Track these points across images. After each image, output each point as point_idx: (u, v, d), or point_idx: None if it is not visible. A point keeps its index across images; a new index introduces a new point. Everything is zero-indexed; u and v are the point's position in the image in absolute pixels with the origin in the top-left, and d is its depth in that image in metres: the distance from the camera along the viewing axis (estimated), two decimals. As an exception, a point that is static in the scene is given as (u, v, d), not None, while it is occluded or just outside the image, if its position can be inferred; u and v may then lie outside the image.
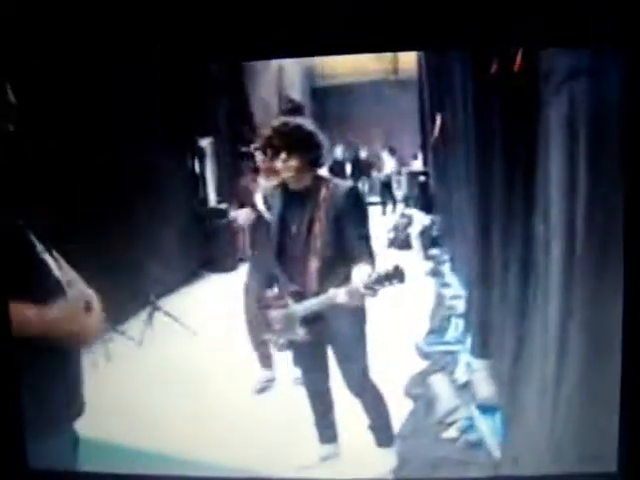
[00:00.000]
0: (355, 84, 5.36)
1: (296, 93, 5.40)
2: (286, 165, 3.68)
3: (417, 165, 5.66)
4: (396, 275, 3.40)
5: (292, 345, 3.86)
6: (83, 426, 2.77)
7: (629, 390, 2.78)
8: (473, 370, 4.10)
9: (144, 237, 4.25)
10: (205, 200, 4.74)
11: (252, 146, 4.36)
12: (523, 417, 3.43)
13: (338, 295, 3.50)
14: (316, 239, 3.72)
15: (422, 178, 5.56)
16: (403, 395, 4.13)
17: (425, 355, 4.41)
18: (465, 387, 4.07)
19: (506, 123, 3.55)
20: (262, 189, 4.09)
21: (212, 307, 4.33)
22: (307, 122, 3.82)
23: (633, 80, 2.65)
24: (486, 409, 3.86)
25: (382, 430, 3.78)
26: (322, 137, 3.79)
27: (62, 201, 3.66)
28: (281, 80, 5.29)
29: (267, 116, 5.08)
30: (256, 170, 4.39)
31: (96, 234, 3.99)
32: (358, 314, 3.70)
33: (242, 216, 4.39)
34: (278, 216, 3.81)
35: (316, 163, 3.78)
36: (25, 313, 2.50)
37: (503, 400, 3.76)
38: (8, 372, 2.90)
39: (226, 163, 4.68)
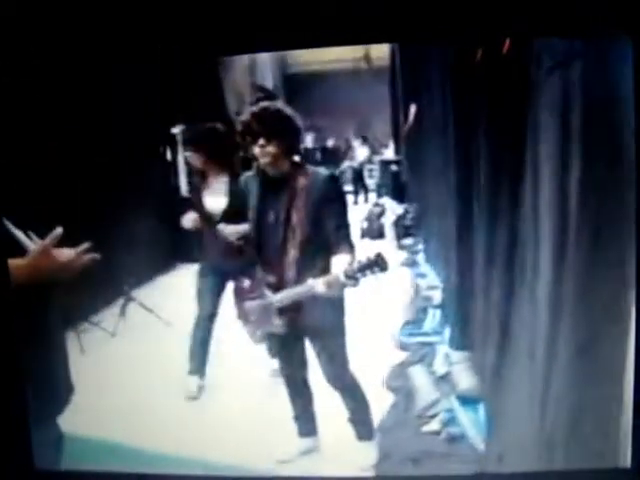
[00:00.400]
0: (327, 72, 5.30)
1: (268, 81, 5.33)
2: (264, 151, 3.61)
3: (389, 154, 5.61)
4: (378, 263, 3.38)
5: (269, 337, 3.82)
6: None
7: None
8: (452, 362, 4.05)
9: (117, 227, 4.16)
10: (177, 189, 4.64)
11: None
12: (509, 410, 3.40)
13: (317, 285, 3.47)
14: (294, 228, 3.67)
15: (394, 167, 5.51)
16: (382, 387, 4.06)
17: (403, 346, 4.37)
18: (445, 379, 4.02)
19: (491, 108, 3.47)
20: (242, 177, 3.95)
21: (186, 298, 4.23)
22: (286, 107, 3.75)
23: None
24: (467, 401, 3.83)
25: (362, 423, 3.74)
26: (300, 122, 3.73)
27: (31, 191, 3.57)
28: (253, 68, 5.21)
29: (240, 104, 4.99)
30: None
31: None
32: (337, 305, 3.67)
33: (186, 221, 4.29)
34: (256, 204, 3.74)
35: (294, 149, 3.74)
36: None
37: (486, 392, 3.71)
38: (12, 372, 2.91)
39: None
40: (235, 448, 3.69)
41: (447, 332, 4.34)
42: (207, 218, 4.29)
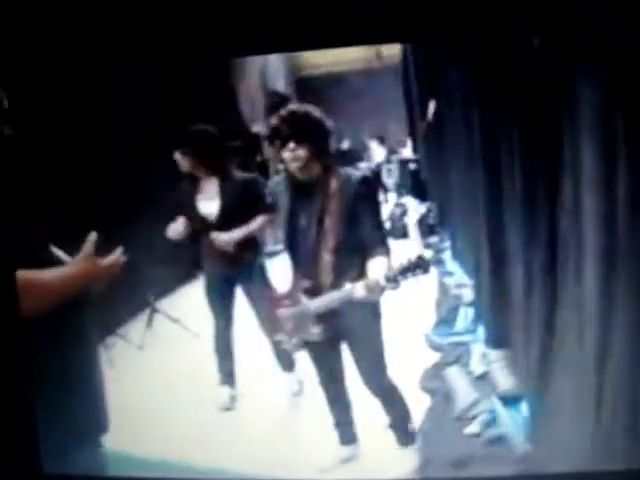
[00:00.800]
0: (339, 73, 5.25)
1: (280, 85, 5.28)
2: (294, 155, 3.51)
3: (407, 153, 5.56)
4: (420, 265, 3.29)
5: (306, 345, 3.70)
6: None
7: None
8: (490, 361, 3.99)
9: (139, 238, 4.10)
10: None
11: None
12: (557, 407, 3.32)
13: (356, 290, 3.36)
14: (328, 232, 3.58)
15: (413, 165, 5.46)
16: (419, 390, 4.00)
17: (437, 347, 4.31)
18: (483, 379, 3.95)
19: (523, 107, 3.40)
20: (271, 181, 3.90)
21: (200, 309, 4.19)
22: (315, 109, 3.64)
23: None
24: (508, 401, 3.76)
25: (402, 429, 3.67)
26: (330, 124, 3.64)
27: (57, 204, 3.53)
28: (264, 72, 5.16)
29: (254, 111, 4.94)
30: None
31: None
32: (374, 309, 3.59)
33: (171, 231, 4.19)
34: (286, 209, 3.64)
35: (325, 152, 3.63)
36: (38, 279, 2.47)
37: (530, 391, 3.62)
38: (19, 375, 2.87)
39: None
40: (273, 459, 3.64)
41: (481, 330, 4.27)
42: (201, 224, 4.23)
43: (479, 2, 2.74)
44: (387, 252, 3.52)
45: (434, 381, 4.07)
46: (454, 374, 4.07)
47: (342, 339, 3.68)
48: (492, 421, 3.71)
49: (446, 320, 4.52)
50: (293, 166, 3.56)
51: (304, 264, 3.63)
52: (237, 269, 4.14)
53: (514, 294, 3.74)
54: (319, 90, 5.29)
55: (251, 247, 4.18)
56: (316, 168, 3.58)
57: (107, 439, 3.11)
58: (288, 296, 3.69)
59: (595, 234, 2.87)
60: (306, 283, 3.61)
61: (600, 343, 2.91)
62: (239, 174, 4.38)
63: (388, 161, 5.57)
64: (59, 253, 2.60)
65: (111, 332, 4.38)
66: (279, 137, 3.56)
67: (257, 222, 4.20)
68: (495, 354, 3.98)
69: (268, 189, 3.85)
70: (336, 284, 3.51)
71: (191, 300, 4.60)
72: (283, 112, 3.61)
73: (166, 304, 4.58)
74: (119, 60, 3.12)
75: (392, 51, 5.29)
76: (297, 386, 4.21)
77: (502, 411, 3.72)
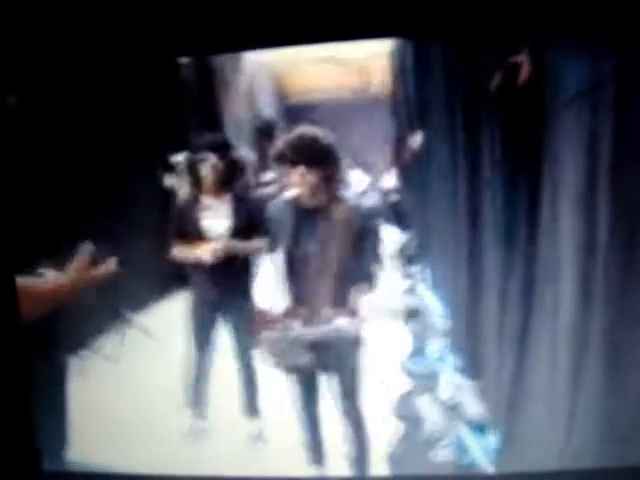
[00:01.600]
0: (327, 100, 5.29)
1: (268, 110, 5.32)
2: (303, 180, 3.51)
3: (389, 182, 5.59)
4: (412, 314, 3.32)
5: (294, 370, 3.68)
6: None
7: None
8: (460, 389, 4.02)
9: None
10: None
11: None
12: (526, 437, 3.36)
13: (343, 323, 3.45)
14: (331, 261, 3.57)
15: (395, 195, 5.49)
16: (391, 416, 4.03)
17: (410, 374, 4.33)
18: (453, 406, 3.98)
19: (505, 136, 3.46)
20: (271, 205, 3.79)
21: (184, 323, 4.16)
22: (325, 134, 3.61)
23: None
24: (477, 429, 3.79)
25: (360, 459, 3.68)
26: (340, 151, 3.63)
27: (32, 218, 3.55)
28: (253, 97, 5.20)
29: (239, 134, 4.98)
30: (198, 187, 4.14)
31: (67, 250, 3.87)
32: (359, 340, 3.60)
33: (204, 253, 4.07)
34: (289, 234, 3.60)
35: (333, 179, 3.60)
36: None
37: (500, 419, 3.67)
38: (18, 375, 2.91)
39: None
40: (240, 472, 3.61)
41: (453, 360, 4.30)
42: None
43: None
44: (372, 284, 3.55)
45: (406, 408, 4.09)
46: (425, 401, 4.10)
47: (329, 369, 3.66)
48: (461, 448, 3.74)
49: (420, 348, 4.55)
50: (300, 191, 3.54)
51: (302, 291, 3.61)
52: (229, 295, 4.06)
53: (488, 324, 3.79)
54: (306, 117, 5.33)
55: (246, 272, 4.12)
56: (323, 194, 3.55)
57: (77, 451, 3.15)
58: (278, 320, 3.66)
59: (572, 266, 2.92)
60: (302, 310, 3.59)
61: (572, 372, 2.95)
62: (251, 193, 4.41)
63: (371, 190, 5.59)
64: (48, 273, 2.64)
65: (85, 345, 4.36)
66: (284, 162, 3.54)
67: (257, 243, 4.05)
68: (466, 383, 4.02)
69: (267, 213, 3.77)
70: (334, 313, 3.53)
71: (166, 315, 4.63)
72: (290, 136, 3.58)
73: (141, 319, 4.57)
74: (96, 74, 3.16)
75: (381, 80, 5.34)
76: (258, 432, 4.15)
77: (470, 438, 3.75)
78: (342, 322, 3.47)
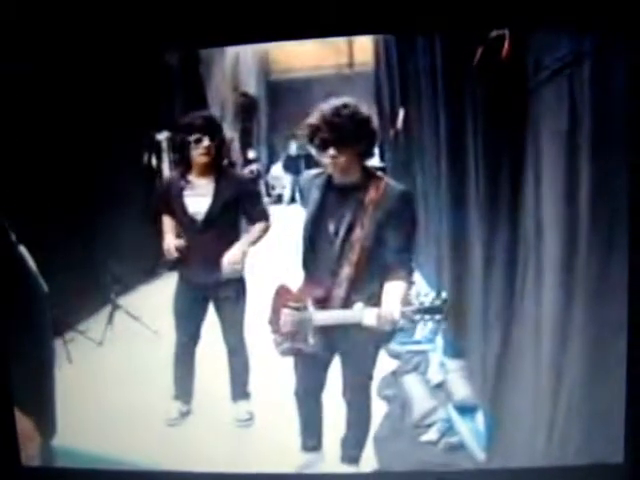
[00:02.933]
0: (311, 78, 5.24)
1: (251, 88, 5.26)
2: (335, 161, 3.31)
3: (374, 161, 5.55)
4: (442, 310, 3.23)
5: (297, 352, 3.55)
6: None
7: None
8: (448, 370, 4.00)
9: (102, 235, 4.06)
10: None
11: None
12: (511, 420, 3.36)
13: (367, 316, 3.29)
14: (354, 244, 3.37)
15: (380, 173, 5.45)
16: (377, 397, 3.96)
17: (395, 355, 4.29)
18: (440, 387, 3.97)
19: (488, 114, 3.43)
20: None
21: (171, 306, 4.10)
22: (362, 105, 3.40)
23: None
24: (465, 410, 3.77)
25: (354, 443, 3.65)
26: (377, 123, 3.45)
27: (17, 199, 3.50)
28: (236, 74, 5.14)
29: (223, 111, 4.91)
30: (187, 165, 3.99)
31: (54, 235, 3.82)
32: (379, 333, 3.41)
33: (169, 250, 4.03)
34: (315, 209, 3.43)
35: (368, 155, 3.46)
36: None
37: (486, 400, 3.66)
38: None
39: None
40: (229, 459, 3.68)
41: (440, 340, 4.28)
42: (188, 224, 3.99)
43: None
44: (407, 278, 3.39)
45: (392, 388, 4.07)
46: (411, 382, 4.08)
47: (336, 354, 3.55)
48: (448, 429, 3.72)
49: (406, 328, 4.52)
50: (331, 170, 3.37)
51: (320, 272, 3.45)
52: (219, 280, 3.92)
53: (473, 305, 3.77)
54: (289, 95, 5.28)
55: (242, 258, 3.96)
56: (356, 173, 3.38)
57: (62, 435, 3.12)
58: (295, 299, 3.53)
59: (555, 248, 2.92)
60: (317, 292, 3.43)
61: (556, 355, 2.96)
62: (237, 172, 4.32)
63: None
64: None
65: (71, 327, 4.30)
66: (317, 138, 3.32)
67: (256, 231, 4.01)
68: (453, 364, 4.00)
69: (299, 182, 3.68)
70: (349, 300, 3.37)
71: (153, 298, 4.59)
72: (325, 111, 3.34)
73: (128, 301, 4.49)
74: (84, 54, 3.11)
75: (364, 58, 5.29)
76: (247, 416, 4.07)
77: (458, 420, 3.74)
78: (361, 310, 3.30)
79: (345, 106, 3.36)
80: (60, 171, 4.01)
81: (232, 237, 3.97)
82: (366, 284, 3.38)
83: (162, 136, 4.45)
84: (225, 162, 4.16)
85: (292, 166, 5.05)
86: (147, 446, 3.74)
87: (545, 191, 3.00)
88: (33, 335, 3.06)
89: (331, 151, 3.30)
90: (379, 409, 3.93)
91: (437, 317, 3.25)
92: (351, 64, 5.21)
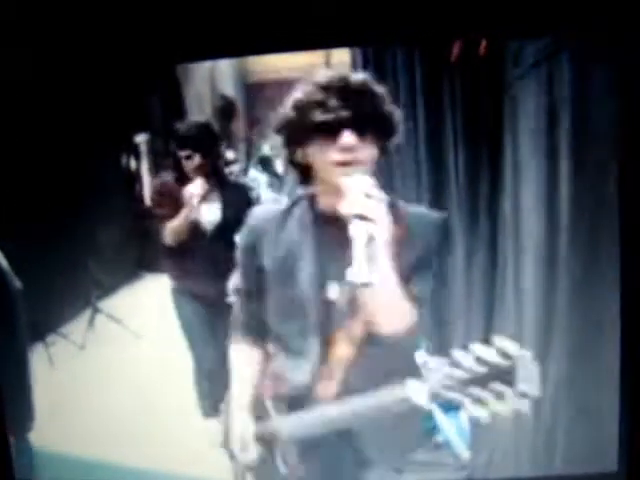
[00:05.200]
0: (288, 79, 5.23)
1: (229, 89, 5.25)
2: (354, 156, 2.35)
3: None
4: (505, 373, 2.24)
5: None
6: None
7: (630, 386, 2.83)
8: (430, 369, 4.00)
9: (82, 237, 4.04)
10: (142, 199, 4.51)
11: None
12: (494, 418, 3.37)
13: (398, 399, 2.43)
14: (364, 307, 2.39)
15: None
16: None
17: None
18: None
19: (466, 112, 3.48)
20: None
21: (154, 308, 4.10)
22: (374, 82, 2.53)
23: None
24: (448, 409, 3.77)
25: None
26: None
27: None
28: (214, 75, 5.13)
29: (201, 112, 4.91)
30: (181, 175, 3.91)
31: (33, 235, 3.80)
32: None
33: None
34: (297, 259, 2.46)
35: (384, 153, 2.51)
36: None
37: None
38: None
39: (162, 161, 4.46)
40: (207, 465, 3.64)
41: (423, 339, 4.29)
42: (193, 231, 3.83)
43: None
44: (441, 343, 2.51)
45: None
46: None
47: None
48: (433, 428, 3.73)
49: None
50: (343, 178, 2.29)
51: (296, 352, 2.49)
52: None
53: (454, 304, 3.78)
54: (267, 95, 5.28)
55: None
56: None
57: (42, 438, 3.10)
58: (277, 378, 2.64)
59: (535, 252, 2.94)
60: (293, 379, 2.45)
61: (538, 352, 2.97)
62: (238, 179, 4.16)
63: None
64: None
65: (52, 330, 4.33)
66: (311, 123, 2.38)
67: None
68: (435, 362, 4.00)
69: (247, 230, 2.73)
70: (365, 383, 2.48)
71: (134, 301, 4.59)
72: (324, 77, 2.47)
73: (109, 304, 4.50)
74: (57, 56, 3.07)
75: (341, 57, 5.29)
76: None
77: (442, 418, 3.74)
78: (389, 395, 2.44)
79: (355, 77, 2.50)
80: (38, 168, 4.01)
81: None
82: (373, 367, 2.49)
83: (141, 139, 4.43)
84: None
85: (267, 166, 5.04)
86: (130, 449, 3.72)
87: (525, 190, 3.02)
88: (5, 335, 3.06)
89: (346, 137, 2.30)
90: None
91: (507, 384, 2.28)
92: (328, 63, 5.21)
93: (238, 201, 3.80)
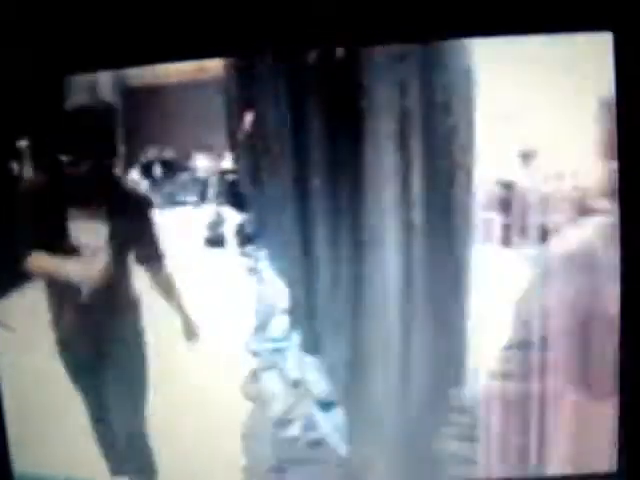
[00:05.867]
0: (165, 85, 5.25)
1: (108, 94, 5.23)
2: None
3: (227, 163, 5.61)
4: None
5: None
6: None
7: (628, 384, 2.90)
8: (305, 366, 4.11)
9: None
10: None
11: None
12: (367, 411, 3.49)
13: None
14: None
15: (232, 176, 5.51)
16: (239, 395, 4.07)
17: (254, 353, 4.38)
18: (299, 383, 4.09)
19: (326, 114, 3.61)
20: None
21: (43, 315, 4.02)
22: None
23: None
24: (324, 405, 3.89)
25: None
26: None
27: None
28: (93, 80, 5.10)
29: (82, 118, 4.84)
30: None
31: None
32: None
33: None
34: None
35: None
36: None
37: (341, 395, 3.83)
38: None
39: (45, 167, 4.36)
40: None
41: (297, 337, 4.38)
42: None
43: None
44: None
45: (252, 386, 4.15)
46: (271, 379, 4.18)
47: None
48: (310, 424, 3.83)
49: (263, 326, 4.60)
50: None
51: None
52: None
53: (324, 302, 3.93)
54: (146, 101, 5.29)
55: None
56: None
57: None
58: None
59: (394, 252, 3.07)
60: None
61: (403, 348, 3.11)
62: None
63: (210, 171, 5.58)
64: None
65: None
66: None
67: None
68: (309, 359, 4.11)
69: None
70: None
71: (23, 307, 4.46)
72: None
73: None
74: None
75: (215, 64, 5.33)
76: None
77: (319, 415, 3.85)
78: None
79: None
80: None
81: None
82: None
83: (23, 143, 4.35)
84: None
85: (146, 171, 5.05)
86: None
87: (385, 187, 3.16)
88: None
89: None
90: (242, 407, 4.01)
91: None
92: (202, 68, 5.25)
93: (132, 219, 3.41)
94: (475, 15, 2.81)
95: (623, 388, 2.92)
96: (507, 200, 3.16)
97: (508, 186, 3.19)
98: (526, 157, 3.17)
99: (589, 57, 2.77)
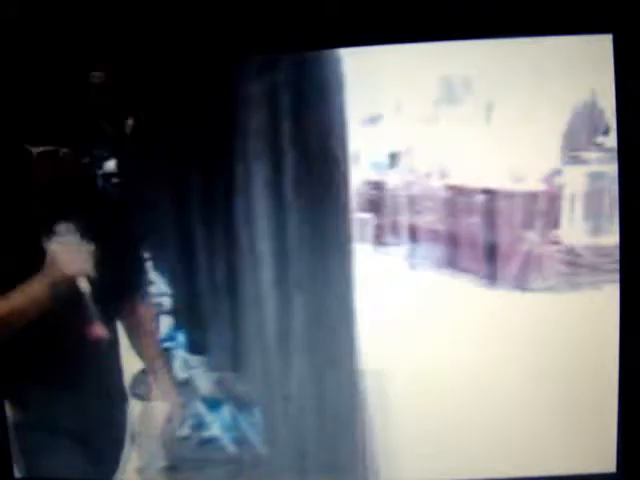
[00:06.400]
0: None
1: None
2: None
3: (111, 167, 5.56)
4: None
5: None
6: None
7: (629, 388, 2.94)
8: (191, 366, 4.15)
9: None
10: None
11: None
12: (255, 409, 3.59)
13: None
14: None
15: (115, 180, 5.47)
16: (130, 396, 4.08)
17: (141, 354, 4.41)
18: (186, 384, 4.10)
19: (199, 119, 3.69)
20: None
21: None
22: None
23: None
24: (212, 404, 3.95)
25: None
26: None
27: None
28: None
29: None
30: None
31: None
32: None
33: None
34: None
35: None
36: None
37: (225, 394, 3.92)
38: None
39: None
40: None
41: (182, 337, 4.42)
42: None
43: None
44: None
45: (142, 387, 4.15)
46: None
47: None
48: (199, 424, 3.90)
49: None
50: None
51: None
52: None
53: (206, 303, 4.02)
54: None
55: None
56: None
57: None
58: None
59: (267, 240, 3.18)
60: None
61: (278, 343, 3.20)
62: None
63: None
64: None
65: None
66: None
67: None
68: (195, 359, 4.15)
69: None
70: None
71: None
72: None
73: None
74: None
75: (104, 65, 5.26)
76: None
77: (207, 414, 3.91)
78: None
79: None
80: None
81: None
82: None
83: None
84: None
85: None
86: None
87: (257, 199, 3.35)
88: None
89: None
90: (134, 407, 4.03)
91: None
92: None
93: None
94: (475, 15, 2.88)
95: (623, 388, 2.97)
96: (378, 200, 3.27)
97: (379, 186, 3.30)
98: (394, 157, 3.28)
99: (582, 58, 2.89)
